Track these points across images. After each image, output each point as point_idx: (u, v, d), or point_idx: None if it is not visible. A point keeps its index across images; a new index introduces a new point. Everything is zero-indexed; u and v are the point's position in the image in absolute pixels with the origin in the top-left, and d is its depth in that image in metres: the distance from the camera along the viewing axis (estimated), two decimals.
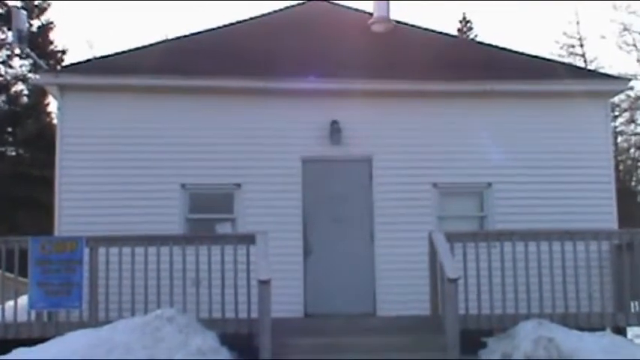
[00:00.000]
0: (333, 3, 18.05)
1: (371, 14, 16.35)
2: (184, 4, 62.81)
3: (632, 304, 11.55)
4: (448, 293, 10.35)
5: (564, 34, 42.90)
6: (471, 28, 48.30)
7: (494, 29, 58.73)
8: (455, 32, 44.12)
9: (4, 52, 36.61)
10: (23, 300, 11.01)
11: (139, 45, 15.45)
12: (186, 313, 10.25)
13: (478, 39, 42.27)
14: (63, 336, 9.82)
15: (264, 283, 9.95)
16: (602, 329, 10.99)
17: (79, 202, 13.19)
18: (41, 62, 19.16)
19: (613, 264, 12.05)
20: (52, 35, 37.69)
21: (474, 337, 10.39)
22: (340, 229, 13.65)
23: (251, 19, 16.92)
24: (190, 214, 13.59)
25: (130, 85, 13.68)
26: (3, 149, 37.50)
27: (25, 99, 38.00)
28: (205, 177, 13.60)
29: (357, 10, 17.54)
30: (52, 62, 34.83)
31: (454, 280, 10.25)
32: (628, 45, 40.20)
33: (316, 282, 13.41)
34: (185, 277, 10.68)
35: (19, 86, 37.78)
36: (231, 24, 16.52)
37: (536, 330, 10.14)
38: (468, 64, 15.08)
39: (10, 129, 37.25)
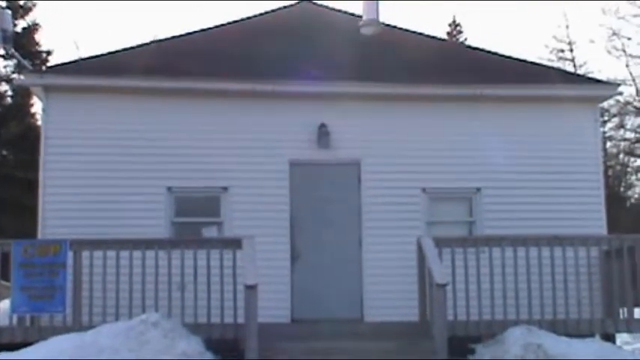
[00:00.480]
0: (322, 5, 17.96)
1: (360, 17, 16.26)
2: (172, 5, 62.70)
3: (620, 311, 11.49)
4: (436, 299, 10.28)
5: (554, 37, 42.97)
6: (460, 32, 48.42)
7: (484, 33, 58.82)
8: (444, 36, 44.13)
9: None
10: (5, 304, 10.90)
11: (126, 46, 15.33)
12: (172, 318, 10.17)
13: (468, 42, 42.29)
14: (46, 340, 9.75)
15: (251, 288, 9.87)
16: (591, 336, 11.02)
17: (63, 204, 13.05)
18: (26, 63, 18.95)
19: (602, 270, 11.98)
20: (37, 36, 37.42)
21: (462, 344, 10.38)
22: (328, 234, 13.55)
23: (239, 20, 16.81)
24: (176, 217, 13.47)
25: (115, 86, 13.56)
26: None
27: (9, 100, 37.69)
28: (192, 180, 13.48)
29: (346, 12, 17.47)
30: (37, 63, 34.55)
31: (443, 286, 10.19)
32: (617, 50, 40.28)
33: (303, 287, 13.31)
34: (170, 282, 10.61)
35: (3, 87, 37.46)
36: (219, 25, 16.40)
37: (524, 336, 10.13)
38: (458, 67, 15.05)
39: None
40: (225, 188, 13.54)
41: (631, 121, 40.91)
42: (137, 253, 10.75)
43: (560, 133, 14.14)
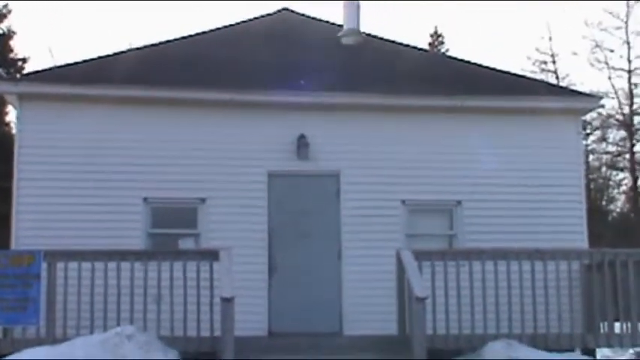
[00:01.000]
0: (302, 14, 17.85)
1: (340, 26, 16.17)
2: (149, 12, 62.49)
3: (601, 325, 11.44)
4: (416, 312, 10.18)
5: (536, 49, 42.92)
6: (442, 42, 48.40)
7: (465, 44, 58.90)
8: (426, 46, 44.12)
9: None
10: None
11: (102, 54, 15.16)
12: (147, 331, 10.10)
13: (449, 53, 42.28)
14: (20, 352, 9.63)
15: (228, 301, 9.78)
16: (572, 350, 10.94)
17: (37, 214, 12.85)
18: (0, 70, 18.75)
19: (583, 284, 11.94)
20: (12, 43, 37.03)
21: (441, 357, 10.29)
22: (307, 246, 13.42)
23: (218, 29, 16.64)
24: (152, 228, 13.29)
25: (91, 94, 13.40)
26: None
27: None
28: (168, 191, 13.31)
29: (327, 22, 17.37)
30: (12, 70, 34.21)
31: (422, 299, 10.10)
32: (599, 62, 40.46)
33: (281, 300, 13.16)
34: (146, 294, 10.48)
35: None
36: (198, 34, 16.25)
37: (504, 350, 10.13)
38: (439, 78, 14.97)
39: None
40: (202, 199, 13.37)
41: (613, 134, 41.20)
42: (112, 265, 10.62)
43: (543, 145, 14.09)
